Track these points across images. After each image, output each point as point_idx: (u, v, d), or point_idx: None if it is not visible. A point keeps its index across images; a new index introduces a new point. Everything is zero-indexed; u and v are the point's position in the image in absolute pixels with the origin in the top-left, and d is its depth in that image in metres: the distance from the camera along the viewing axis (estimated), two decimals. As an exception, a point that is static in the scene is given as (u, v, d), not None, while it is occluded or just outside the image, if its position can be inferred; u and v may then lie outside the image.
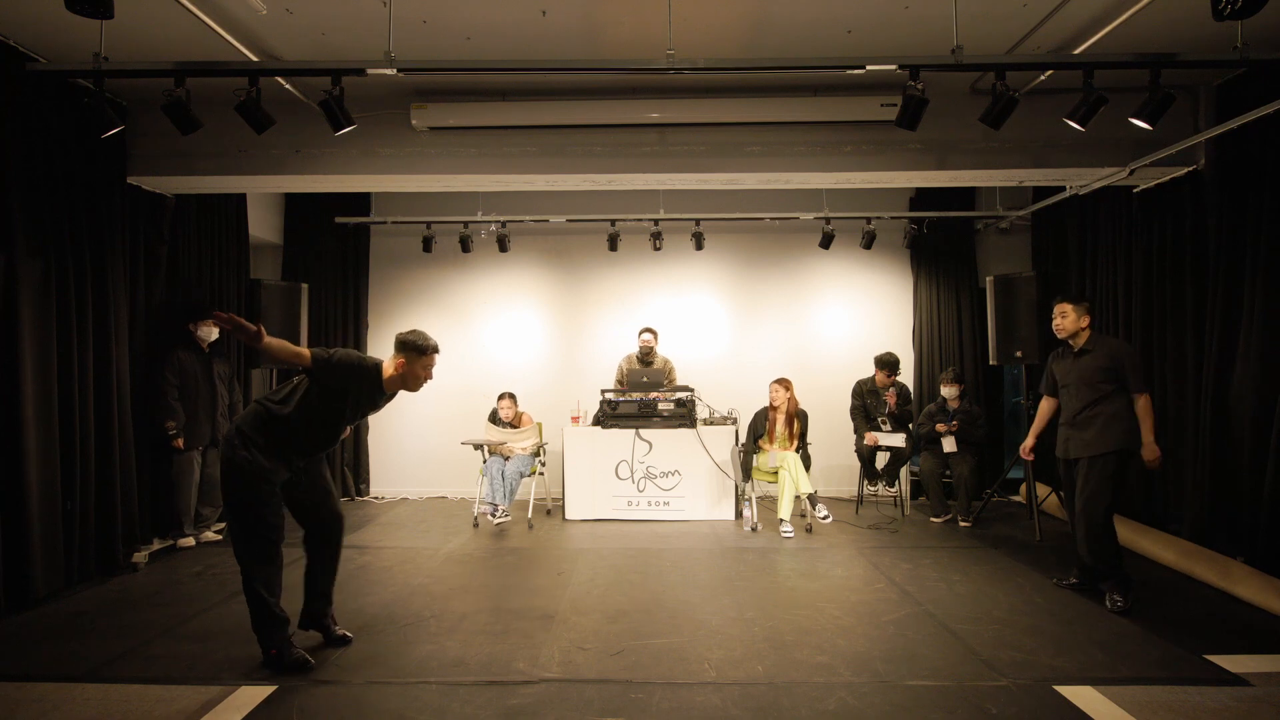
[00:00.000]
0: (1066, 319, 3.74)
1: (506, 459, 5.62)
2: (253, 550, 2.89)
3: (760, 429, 5.56)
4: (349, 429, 3.23)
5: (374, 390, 2.99)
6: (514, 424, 5.88)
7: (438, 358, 3.05)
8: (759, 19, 3.89)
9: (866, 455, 5.80)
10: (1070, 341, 3.78)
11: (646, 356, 6.16)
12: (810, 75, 4.51)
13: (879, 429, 5.76)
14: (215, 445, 5.04)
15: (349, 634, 3.21)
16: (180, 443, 4.77)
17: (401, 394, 3.08)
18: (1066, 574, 3.99)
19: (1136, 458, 3.59)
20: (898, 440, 5.68)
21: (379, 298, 6.92)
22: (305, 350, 2.80)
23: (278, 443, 2.90)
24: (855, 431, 5.92)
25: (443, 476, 6.74)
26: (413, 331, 3.01)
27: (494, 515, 5.41)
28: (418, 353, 2.98)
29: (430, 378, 3.05)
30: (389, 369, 2.97)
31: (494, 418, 5.91)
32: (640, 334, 6.19)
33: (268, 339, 2.70)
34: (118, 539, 4.31)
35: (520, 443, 5.73)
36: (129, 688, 2.74)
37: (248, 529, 2.89)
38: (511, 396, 5.93)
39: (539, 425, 5.90)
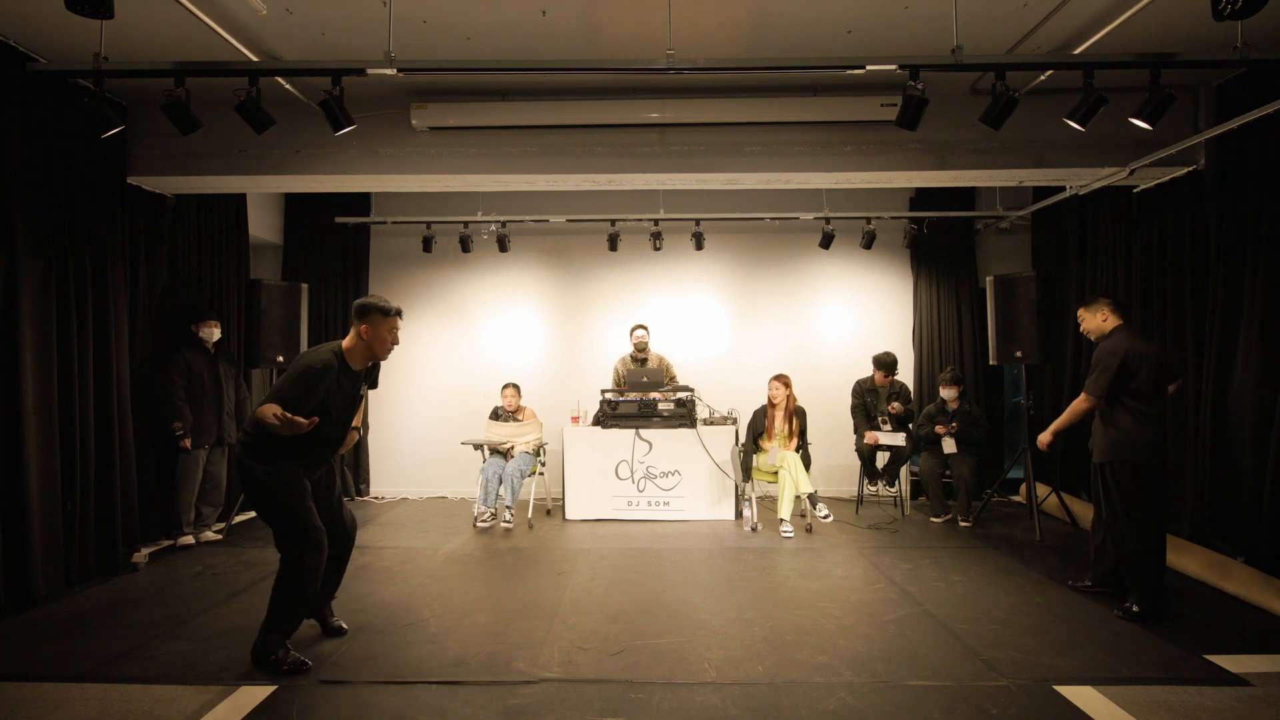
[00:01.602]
0: (1085, 323, 3.73)
1: (508, 458, 5.61)
2: (297, 545, 2.88)
3: (760, 427, 5.56)
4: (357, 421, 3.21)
5: (342, 378, 2.91)
6: (516, 415, 5.88)
7: (401, 322, 3.03)
8: (759, 19, 3.89)
9: (866, 454, 5.80)
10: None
11: (641, 353, 6.15)
12: (810, 75, 4.51)
13: (879, 428, 5.76)
14: (220, 444, 5.06)
15: (344, 625, 3.22)
16: (188, 443, 4.79)
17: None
18: (1072, 575, 4.01)
19: (1157, 467, 3.45)
20: (898, 440, 5.68)
21: (379, 298, 6.91)
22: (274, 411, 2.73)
23: (288, 454, 2.90)
24: (855, 430, 5.92)
25: (443, 476, 6.74)
26: (370, 296, 2.98)
27: (504, 521, 5.38)
28: (383, 315, 2.95)
29: (397, 341, 3.02)
30: (350, 342, 2.94)
31: (495, 415, 5.92)
32: (633, 330, 6.18)
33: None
34: (118, 539, 4.31)
35: (524, 437, 5.73)
36: (129, 688, 2.75)
37: (290, 530, 2.89)
38: (515, 387, 5.94)
39: (540, 424, 5.91)
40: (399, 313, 3.02)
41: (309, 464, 3.00)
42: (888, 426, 5.75)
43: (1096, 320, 3.67)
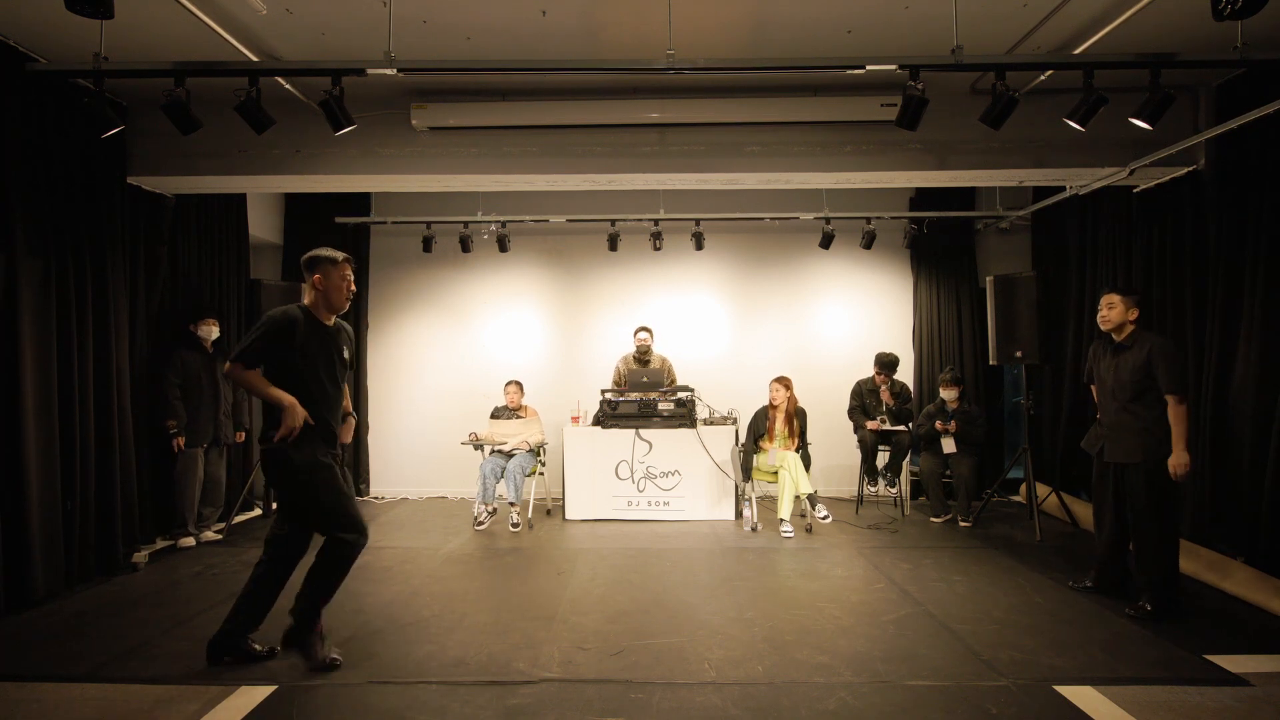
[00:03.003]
0: (1113, 310, 3.56)
1: (509, 456, 5.60)
2: (345, 529, 2.92)
3: (760, 428, 5.56)
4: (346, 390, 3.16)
5: (313, 330, 2.90)
6: (518, 413, 5.89)
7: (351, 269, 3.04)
8: (759, 19, 3.89)
9: (870, 443, 5.79)
10: (1114, 335, 3.60)
11: (644, 355, 6.15)
12: (810, 75, 4.51)
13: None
14: (218, 445, 5.05)
15: (337, 657, 2.94)
16: (181, 441, 4.78)
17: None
18: (1072, 575, 4.00)
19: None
20: (898, 428, 5.70)
21: (379, 298, 6.92)
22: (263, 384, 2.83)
23: (309, 433, 2.88)
24: (855, 431, 5.93)
25: (443, 476, 6.74)
26: (316, 249, 2.99)
27: (511, 522, 5.38)
28: (332, 264, 2.97)
29: (353, 290, 3.05)
30: (309, 297, 2.96)
31: (496, 414, 5.92)
32: (636, 333, 6.18)
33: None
34: (118, 539, 4.31)
35: (527, 435, 5.72)
36: (129, 688, 2.75)
37: (337, 520, 2.91)
38: (518, 384, 5.95)
39: (541, 423, 5.91)
40: (348, 260, 3.04)
41: (327, 440, 2.98)
42: (887, 424, 5.77)
43: (1126, 312, 3.55)
